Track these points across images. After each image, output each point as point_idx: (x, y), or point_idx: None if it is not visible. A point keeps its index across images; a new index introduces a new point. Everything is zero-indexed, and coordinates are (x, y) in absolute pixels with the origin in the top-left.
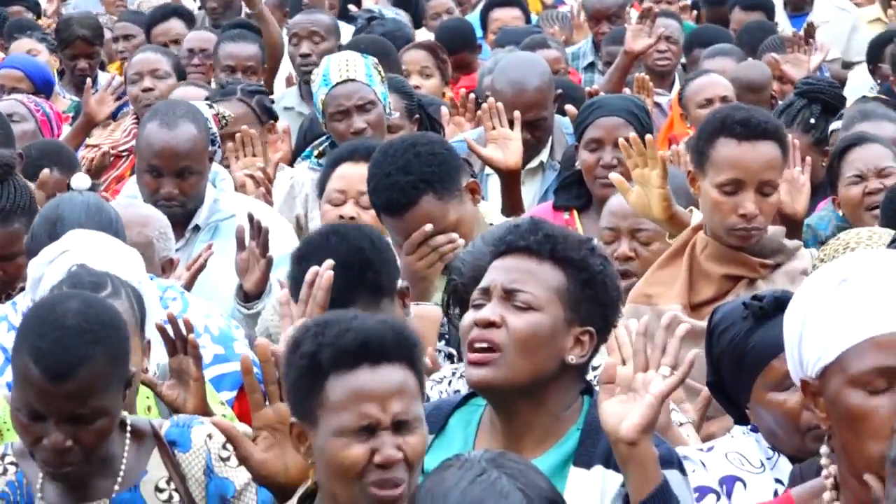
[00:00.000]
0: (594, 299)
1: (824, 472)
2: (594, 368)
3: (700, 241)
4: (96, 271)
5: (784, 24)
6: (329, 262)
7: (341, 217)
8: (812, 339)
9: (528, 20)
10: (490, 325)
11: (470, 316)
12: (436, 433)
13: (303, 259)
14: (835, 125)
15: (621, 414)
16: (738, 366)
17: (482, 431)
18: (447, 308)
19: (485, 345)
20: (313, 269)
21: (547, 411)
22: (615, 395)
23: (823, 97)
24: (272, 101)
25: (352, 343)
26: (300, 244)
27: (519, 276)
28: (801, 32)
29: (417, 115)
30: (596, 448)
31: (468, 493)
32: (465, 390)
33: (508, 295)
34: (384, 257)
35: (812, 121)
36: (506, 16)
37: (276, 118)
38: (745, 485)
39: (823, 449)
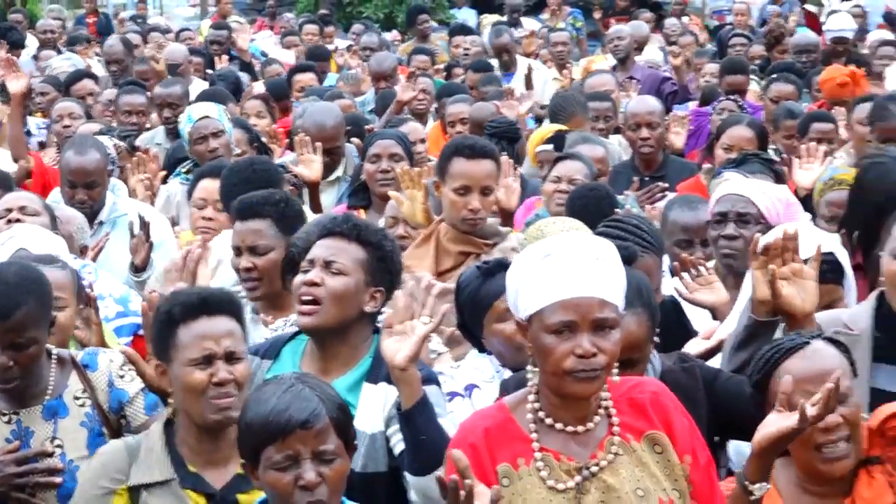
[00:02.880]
0: (385, 268)
1: (529, 383)
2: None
3: (442, 228)
4: (49, 254)
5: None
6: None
7: (203, 218)
8: (523, 295)
9: (320, 81)
10: (314, 284)
11: (300, 278)
12: (272, 359)
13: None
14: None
15: (396, 348)
16: (474, 308)
17: (305, 358)
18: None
19: (310, 297)
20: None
21: (349, 344)
22: (392, 335)
23: (506, 134)
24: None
25: (195, 300)
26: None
27: (335, 251)
28: (511, 85)
29: (256, 144)
30: (381, 370)
31: (282, 398)
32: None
33: (327, 265)
34: None
35: (504, 152)
36: (304, 78)
37: (137, 150)
38: (480, 389)
39: (528, 367)
